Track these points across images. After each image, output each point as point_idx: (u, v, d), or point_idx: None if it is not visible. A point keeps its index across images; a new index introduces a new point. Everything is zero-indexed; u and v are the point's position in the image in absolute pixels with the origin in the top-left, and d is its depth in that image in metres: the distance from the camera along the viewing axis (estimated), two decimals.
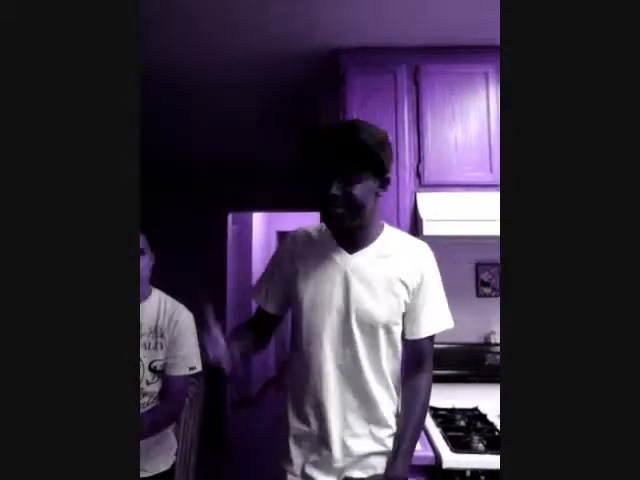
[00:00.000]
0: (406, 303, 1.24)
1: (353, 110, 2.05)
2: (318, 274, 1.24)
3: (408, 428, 1.24)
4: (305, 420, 1.23)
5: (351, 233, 1.23)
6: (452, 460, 1.52)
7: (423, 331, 1.25)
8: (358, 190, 1.15)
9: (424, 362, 1.29)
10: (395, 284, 1.22)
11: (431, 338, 1.28)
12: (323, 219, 1.24)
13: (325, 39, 2.06)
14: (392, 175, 1.96)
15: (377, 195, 1.21)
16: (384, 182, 1.21)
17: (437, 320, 1.26)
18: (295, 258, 1.28)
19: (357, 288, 1.21)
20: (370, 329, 1.21)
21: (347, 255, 1.24)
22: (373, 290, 1.21)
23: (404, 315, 1.25)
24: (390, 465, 1.22)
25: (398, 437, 1.24)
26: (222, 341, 1.12)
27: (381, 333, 1.22)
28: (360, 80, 2.07)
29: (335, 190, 1.14)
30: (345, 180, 1.14)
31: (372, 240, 1.25)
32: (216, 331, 1.12)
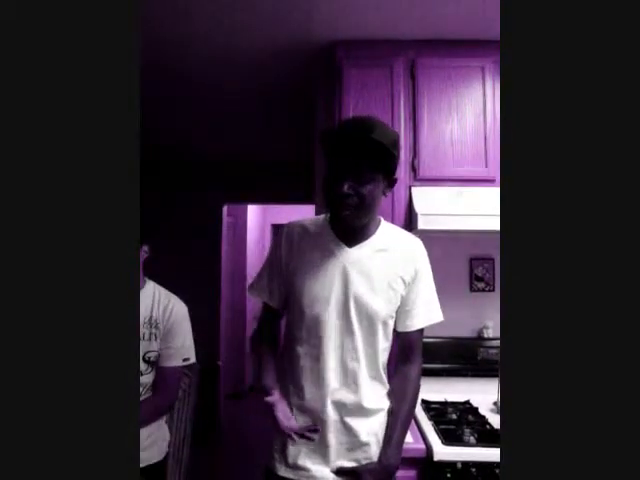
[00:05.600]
0: (402, 297, 1.26)
1: (349, 103, 2.04)
2: (317, 267, 1.24)
3: (399, 418, 1.26)
4: (301, 411, 1.25)
5: (353, 228, 1.24)
6: (443, 453, 1.53)
7: (415, 323, 1.28)
8: (369, 190, 1.16)
9: (414, 354, 1.31)
10: (393, 278, 1.24)
11: (421, 330, 1.31)
12: (332, 216, 1.25)
13: (322, 31, 2.05)
14: None
15: (383, 194, 1.22)
16: (392, 182, 1.22)
17: (428, 313, 1.29)
18: (293, 251, 1.28)
19: (356, 281, 1.22)
20: (369, 322, 1.23)
21: (346, 248, 1.25)
22: (372, 284, 1.23)
23: (398, 308, 1.27)
24: (383, 453, 1.24)
25: (389, 426, 1.26)
26: (290, 414, 1.25)
27: (379, 326, 1.24)
28: (356, 73, 2.06)
29: (347, 189, 1.14)
30: (357, 179, 1.15)
31: (370, 234, 1.27)
32: (283, 407, 1.25)
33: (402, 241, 1.30)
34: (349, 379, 1.23)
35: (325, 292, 1.22)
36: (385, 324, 1.25)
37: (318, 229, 1.29)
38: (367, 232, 1.26)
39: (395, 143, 1.18)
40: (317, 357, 1.23)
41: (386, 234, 1.29)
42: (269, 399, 1.25)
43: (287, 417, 1.24)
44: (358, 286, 1.22)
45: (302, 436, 1.22)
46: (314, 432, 1.23)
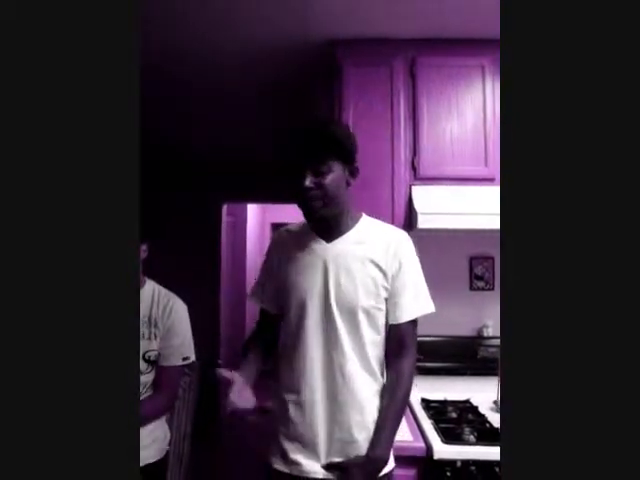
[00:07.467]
0: (385, 288, 1.27)
1: (350, 102, 2.04)
2: (300, 265, 1.30)
3: (390, 412, 1.26)
4: (292, 406, 1.26)
5: (327, 223, 1.29)
6: (443, 451, 1.54)
7: (404, 315, 1.29)
8: (329, 180, 1.22)
9: (406, 346, 1.31)
10: (368, 266, 1.26)
11: (413, 322, 1.31)
12: (303, 214, 1.29)
13: (321, 31, 2.05)
14: (387, 168, 2.01)
15: (348, 184, 1.28)
16: (353, 171, 1.28)
17: (416, 304, 1.29)
18: (280, 255, 1.35)
19: (335, 274, 1.26)
20: (349, 312, 1.24)
21: (325, 244, 1.30)
22: (351, 274, 1.26)
23: (387, 301, 1.28)
24: (372, 447, 1.24)
25: (378, 421, 1.26)
26: (248, 393, 1.19)
27: (361, 316, 1.25)
28: (356, 72, 2.06)
29: (308, 182, 1.21)
30: (316, 171, 1.21)
31: (348, 228, 1.31)
32: (239, 383, 1.18)
33: (383, 233, 1.32)
34: (336, 373, 1.24)
35: (308, 287, 1.27)
36: (368, 314, 1.25)
37: (301, 231, 1.36)
38: (344, 227, 1.31)
39: (347, 131, 1.29)
40: (304, 351, 1.25)
41: (366, 227, 1.33)
42: (225, 374, 1.17)
43: (244, 398, 1.17)
44: (337, 278, 1.25)
45: (261, 411, 1.21)
46: (264, 413, 1.25)
